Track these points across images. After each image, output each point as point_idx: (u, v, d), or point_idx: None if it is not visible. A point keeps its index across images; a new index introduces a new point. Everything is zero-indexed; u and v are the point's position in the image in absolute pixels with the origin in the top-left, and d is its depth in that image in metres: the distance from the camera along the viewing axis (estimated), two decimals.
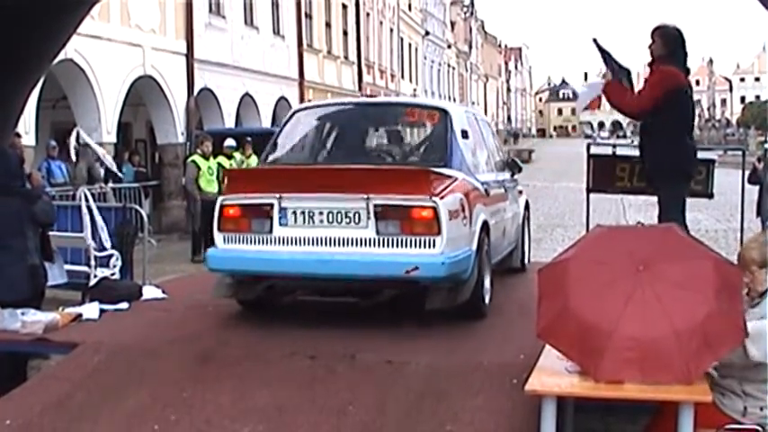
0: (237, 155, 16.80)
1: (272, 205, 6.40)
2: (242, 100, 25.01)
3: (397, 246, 6.24)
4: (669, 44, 7.16)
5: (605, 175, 10.83)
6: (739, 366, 4.48)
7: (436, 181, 6.41)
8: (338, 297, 7.29)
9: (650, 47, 7.22)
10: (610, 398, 4.37)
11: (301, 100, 29.68)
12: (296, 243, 6.39)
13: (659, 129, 7.05)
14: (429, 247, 6.21)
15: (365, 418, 5.08)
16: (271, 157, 7.56)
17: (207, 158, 15.81)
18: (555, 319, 4.49)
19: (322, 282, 6.69)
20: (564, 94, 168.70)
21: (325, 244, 6.33)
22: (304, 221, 6.37)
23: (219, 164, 16.02)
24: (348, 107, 8.97)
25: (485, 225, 7.08)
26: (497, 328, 6.69)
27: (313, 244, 6.35)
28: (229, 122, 23.87)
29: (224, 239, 6.59)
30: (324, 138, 7.84)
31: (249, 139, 17.64)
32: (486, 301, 7.13)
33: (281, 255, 6.40)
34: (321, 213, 6.34)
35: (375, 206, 6.21)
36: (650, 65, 7.30)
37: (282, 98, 28.20)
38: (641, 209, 22.85)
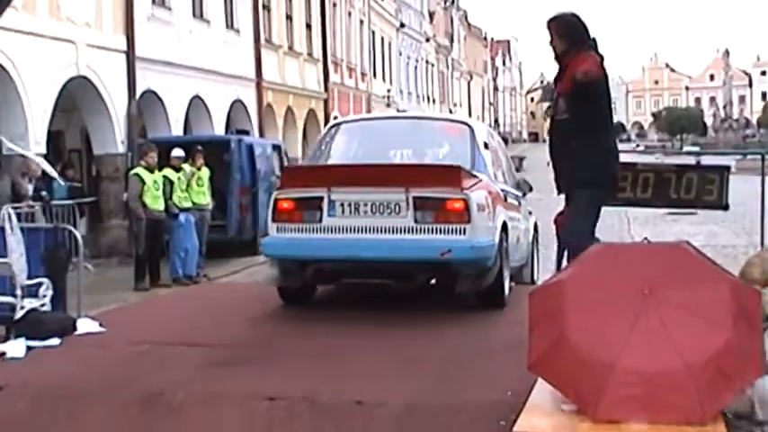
0: (187, 166, 16.72)
1: (322, 198, 8.02)
2: (191, 103, 24.96)
3: (433, 232, 7.88)
4: (568, 35, 7.17)
5: None
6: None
7: (466, 178, 8.05)
8: (379, 279, 8.70)
9: (551, 43, 7.23)
10: None
11: (259, 102, 29.73)
12: (343, 231, 8.00)
13: (579, 128, 7.09)
14: (460, 233, 7.85)
15: None
16: (314, 161, 9.40)
17: (152, 171, 15.76)
18: (549, 350, 4.49)
19: (365, 264, 8.18)
20: None
21: (369, 231, 7.96)
22: (350, 212, 8.01)
23: (166, 177, 15.97)
24: (383, 121, 11.53)
25: (504, 224, 8.75)
26: (482, 362, 6.69)
27: (358, 231, 7.97)
28: (177, 129, 23.83)
29: (277, 229, 8.24)
30: (363, 146, 9.59)
31: (200, 148, 17.58)
32: (506, 291, 8.70)
33: (330, 241, 8.01)
34: (365, 205, 7.98)
35: (414, 198, 7.84)
36: (557, 60, 7.29)
37: (238, 101, 28.19)
38: (648, 223, 22.98)
